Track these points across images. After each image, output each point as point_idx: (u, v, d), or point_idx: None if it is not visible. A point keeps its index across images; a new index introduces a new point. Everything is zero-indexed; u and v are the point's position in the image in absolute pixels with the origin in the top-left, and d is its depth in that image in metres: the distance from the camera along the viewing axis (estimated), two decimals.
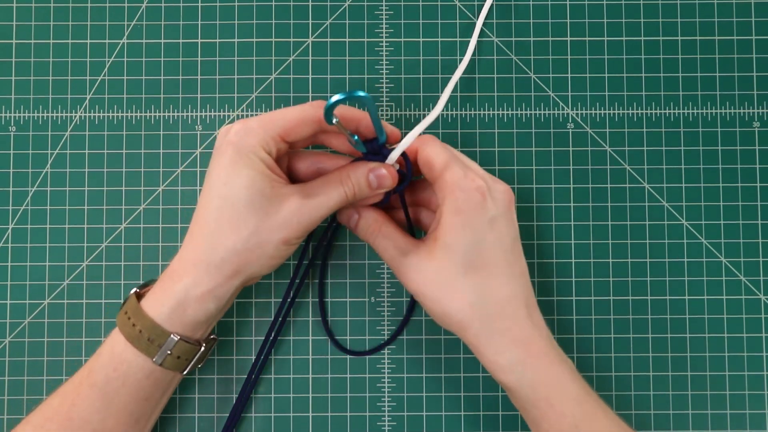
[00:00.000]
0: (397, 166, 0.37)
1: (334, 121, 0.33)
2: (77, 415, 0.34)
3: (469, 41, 0.43)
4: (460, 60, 0.43)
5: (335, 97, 0.31)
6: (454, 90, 0.43)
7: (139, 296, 0.36)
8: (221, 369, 0.42)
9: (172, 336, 0.34)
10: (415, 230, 0.40)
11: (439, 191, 0.36)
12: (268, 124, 0.35)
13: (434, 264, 0.35)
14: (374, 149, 0.37)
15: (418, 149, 0.37)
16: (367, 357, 0.42)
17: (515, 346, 0.34)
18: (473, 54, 0.44)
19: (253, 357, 0.42)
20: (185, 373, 0.36)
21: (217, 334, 0.41)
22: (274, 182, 0.35)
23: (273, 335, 0.41)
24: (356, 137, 0.35)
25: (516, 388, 0.34)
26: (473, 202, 0.34)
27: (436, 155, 0.36)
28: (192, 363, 0.36)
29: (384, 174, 0.36)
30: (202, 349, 0.36)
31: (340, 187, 0.36)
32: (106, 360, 0.35)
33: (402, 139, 0.36)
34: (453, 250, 0.34)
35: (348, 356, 0.42)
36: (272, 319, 0.42)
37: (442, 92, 0.40)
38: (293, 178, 0.38)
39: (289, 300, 0.41)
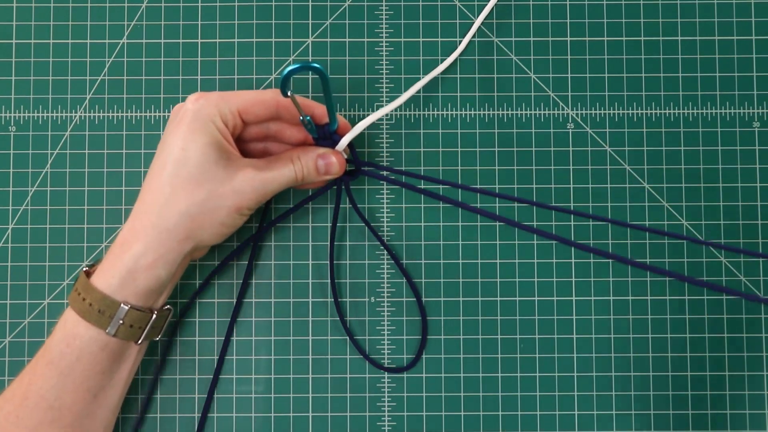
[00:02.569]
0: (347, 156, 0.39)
1: (289, 93, 0.33)
2: (33, 393, 0.35)
3: (469, 40, 0.43)
4: (460, 60, 0.44)
5: (290, 67, 0.32)
6: (454, 90, 0.43)
7: (89, 274, 0.36)
8: (222, 369, 0.42)
9: (122, 305, 0.35)
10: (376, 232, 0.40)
11: None
12: (228, 97, 0.37)
13: None
14: (325, 134, 0.38)
15: None
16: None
17: None
18: (473, 54, 0.44)
19: (254, 357, 0.42)
20: (140, 342, 0.37)
21: (221, 336, 0.41)
22: (229, 152, 0.36)
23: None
24: (308, 117, 0.36)
25: None
26: None
27: None
28: (146, 331, 0.36)
29: (332, 161, 0.38)
30: (154, 316, 0.36)
31: (291, 166, 0.37)
32: (59, 337, 0.35)
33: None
34: None
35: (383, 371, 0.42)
36: (249, 317, 0.42)
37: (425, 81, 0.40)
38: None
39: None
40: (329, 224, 0.43)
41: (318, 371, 0.42)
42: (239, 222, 0.37)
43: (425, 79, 0.41)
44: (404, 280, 0.42)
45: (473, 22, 0.44)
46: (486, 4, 0.44)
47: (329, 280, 0.42)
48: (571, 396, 0.42)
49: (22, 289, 0.42)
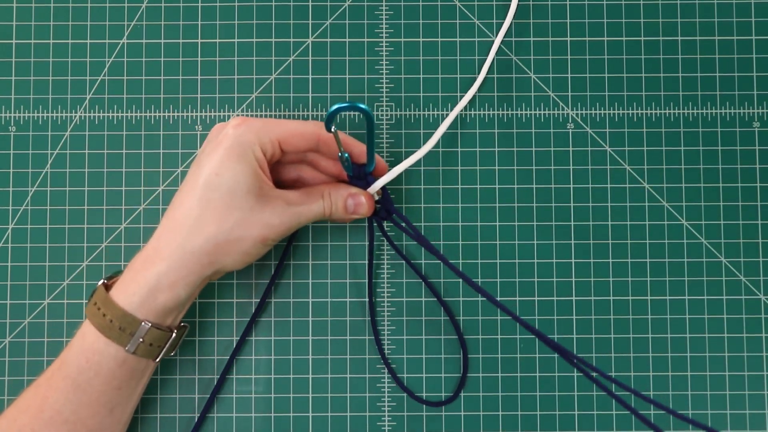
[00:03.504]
0: (377, 197, 0.39)
1: (332, 129, 0.33)
2: (49, 407, 0.34)
3: (469, 41, 0.43)
4: (460, 60, 0.44)
5: (338, 105, 0.32)
6: (454, 90, 0.43)
7: (107, 287, 0.36)
8: (220, 370, 0.42)
9: (143, 324, 0.34)
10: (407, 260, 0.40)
11: None
12: (270, 125, 0.36)
13: None
14: (359, 174, 0.38)
15: None
16: (367, 357, 0.42)
17: None
18: (473, 55, 0.44)
19: (253, 357, 0.42)
20: (158, 360, 0.37)
21: (221, 336, 0.41)
22: (263, 182, 0.36)
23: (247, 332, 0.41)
24: (347, 155, 0.36)
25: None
26: None
27: None
28: (164, 350, 0.36)
29: (362, 202, 0.38)
30: (173, 335, 0.36)
31: (321, 201, 0.37)
32: (77, 351, 0.35)
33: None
34: None
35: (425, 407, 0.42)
36: (249, 318, 0.42)
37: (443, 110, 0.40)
38: (273, 179, 0.39)
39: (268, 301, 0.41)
40: (328, 224, 0.43)
41: (318, 371, 0.42)
42: (262, 252, 0.37)
43: (453, 113, 0.41)
44: (404, 280, 0.43)
45: (473, 23, 0.44)
46: (486, 5, 0.44)
47: (369, 317, 0.42)
48: (571, 396, 0.42)
49: (22, 289, 0.42)
